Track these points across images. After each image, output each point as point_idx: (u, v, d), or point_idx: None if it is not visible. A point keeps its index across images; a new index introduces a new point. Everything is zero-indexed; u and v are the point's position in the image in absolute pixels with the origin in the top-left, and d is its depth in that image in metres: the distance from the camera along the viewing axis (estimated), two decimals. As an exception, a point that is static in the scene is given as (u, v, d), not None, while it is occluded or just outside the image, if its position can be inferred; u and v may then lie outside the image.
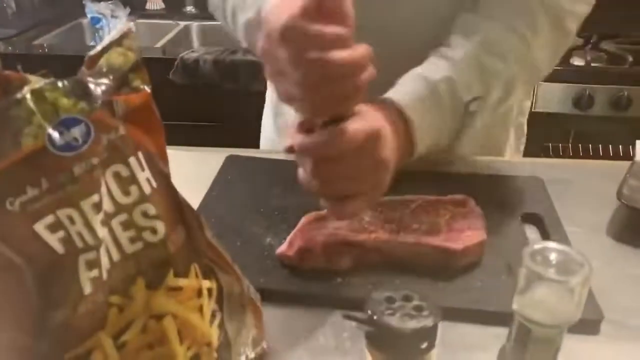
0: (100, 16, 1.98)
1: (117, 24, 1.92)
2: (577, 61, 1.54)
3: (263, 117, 0.88)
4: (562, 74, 1.48)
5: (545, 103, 1.51)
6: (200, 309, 0.35)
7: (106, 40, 0.33)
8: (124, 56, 0.33)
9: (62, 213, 0.29)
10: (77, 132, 0.29)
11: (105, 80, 0.31)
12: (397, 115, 0.55)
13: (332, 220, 0.56)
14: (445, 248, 0.53)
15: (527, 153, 0.89)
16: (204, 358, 0.36)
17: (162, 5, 2.08)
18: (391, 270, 0.52)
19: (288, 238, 0.54)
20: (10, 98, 0.28)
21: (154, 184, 0.33)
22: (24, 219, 0.29)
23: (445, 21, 0.63)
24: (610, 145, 1.49)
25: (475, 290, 0.50)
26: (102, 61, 0.32)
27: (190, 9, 2.05)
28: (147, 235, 0.33)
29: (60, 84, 0.29)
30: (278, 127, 0.83)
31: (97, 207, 0.30)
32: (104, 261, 0.31)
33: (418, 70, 0.59)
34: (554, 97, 1.51)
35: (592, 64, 1.52)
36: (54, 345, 0.31)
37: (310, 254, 0.53)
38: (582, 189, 0.69)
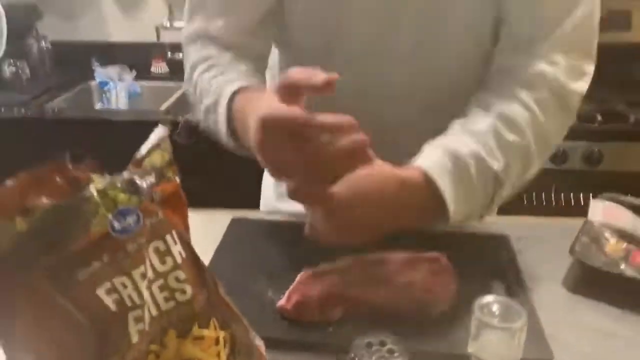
0: (108, 79, 2.12)
1: (124, 87, 2.05)
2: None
3: (263, 180, 0.98)
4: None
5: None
6: (218, 355, 0.44)
7: (148, 144, 0.43)
8: (162, 156, 0.43)
9: (117, 280, 0.39)
10: (130, 219, 0.38)
11: (149, 177, 0.41)
12: (422, 177, 0.61)
13: (325, 277, 0.65)
14: (421, 300, 0.62)
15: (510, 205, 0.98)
16: (221, 395, 0.45)
17: (167, 69, 2.21)
18: (375, 318, 0.61)
19: (286, 293, 0.63)
20: (81, 195, 0.38)
21: (184, 255, 0.43)
22: (89, 286, 0.38)
23: (443, 88, 0.74)
24: (581, 196, 1.61)
25: (444, 335, 0.59)
26: (146, 162, 0.42)
27: (192, 71, 2.19)
28: (178, 296, 0.42)
29: (118, 183, 0.39)
30: (277, 192, 0.94)
31: (143, 275, 0.39)
32: (146, 316, 0.40)
33: (444, 141, 0.66)
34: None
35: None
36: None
37: (305, 307, 0.62)
38: (544, 245, 0.79)
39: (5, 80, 1.97)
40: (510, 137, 0.67)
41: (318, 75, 0.51)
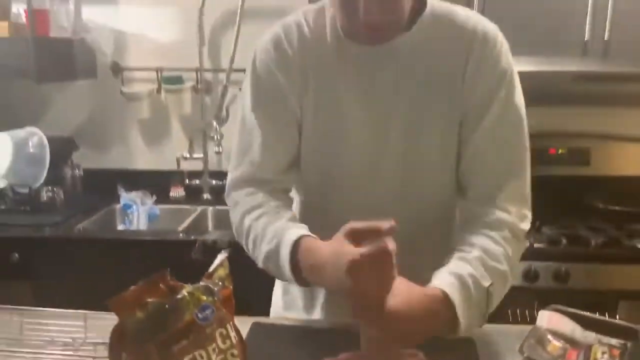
0: (131, 203, 2.38)
1: (144, 210, 2.29)
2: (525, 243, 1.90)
3: (274, 291, 1.19)
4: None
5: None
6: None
7: (215, 262, 0.66)
8: (223, 271, 0.66)
9: (197, 353, 0.60)
10: (208, 312, 0.60)
11: (217, 284, 0.64)
12: (442, 295, 0.85)
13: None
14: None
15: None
16: None
17: (183, 193, 2.49)
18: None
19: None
20: (177, 298, 0.60)
21: (236, 339, 0.64)
22: (180, 356, 0.59)
23: (423, 207, 1.02)
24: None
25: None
26: (215, 275, 0.65)
27: (206, 196, 2.46)
28: (233, 364, 0.63)
29: (201, 289, 0.61)
30: (285, 302, 1.15)
31: (214, 350, 0.60)
32: (213, 380, 0.61)
33: (449, 267, 0.91)
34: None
35: (535, 245, 1.89)
36: None
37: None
38: (505, 347, 0.99)
39: (42, 203, 2.22)
40: (492, 264, 0.94)
41: (384, 224, 0.76)
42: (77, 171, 2.44)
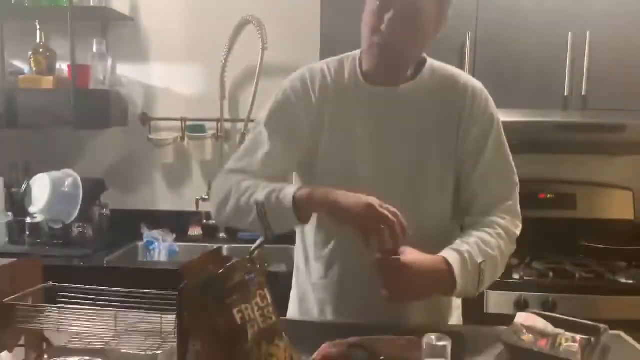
0: (153, 240, 2.58)
1: (165, 247, 2.49)
2: (515, 275, 2.09)
3: (290, 301, 1.38)
4: (505, 285, 2.00)
5: (495, 307, 2.02)
6: (285, 357, 0.83)
7: (256, 245, 0.86)
8: (261, 251, 0.87)
9: (243, 306, 0.79)
10: (252, 275, 0.80)
11: (256, 259, 0.84)
12: (444, 261, 1.13)
13: (337, 345, 1.03)
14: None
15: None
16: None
17: (201, 232, 2.69)
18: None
19: (316, 353, 1.01)
20: (230, 264, 0.81)
21: (270, 300, 0.84)
22: (230, 308, 0.79)
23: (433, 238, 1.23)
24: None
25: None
26: (255, 253, 0.85)
27: (222, 234, 2.66)
28: (268, 320, 0.82)
29: (247, 259, 0.82)
30: (302, 311, 1.33)
31: (257, 304, 0.80)
32: (255, 328, 0.80)
33: (452, 246, 1.17)
34: (500, 302, 2.02)
35: (526, 278, 2.07)
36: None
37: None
38: (488, 341, 1.16)
39: (73, 237, 2.43)
40: (486, 249, 1.19)
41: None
42: (105, 210, 2.65)
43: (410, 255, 1.10)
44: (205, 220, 2.68)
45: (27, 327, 0.92)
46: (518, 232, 1.28)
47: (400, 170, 1.25)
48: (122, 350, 1.03)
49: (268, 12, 2.51)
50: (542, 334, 1.14)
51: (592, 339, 1.14)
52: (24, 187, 2.44)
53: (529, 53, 2.19)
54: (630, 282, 2.05)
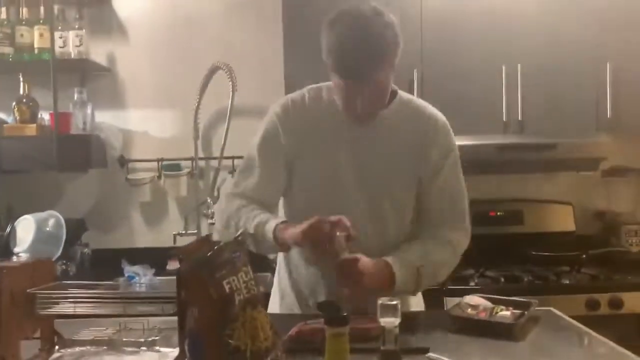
0: (134, 274, 2.71)
1: (145, 281, 2.63)
2: (472, 282, 2.30)
3: (271, 298, 1.56)
4: (461, 291, 2.20)
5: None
6: (268, 322, 1.01)
7: (237, 234, 1.05)
8: (243, 238, 1.06)
9: (232, 278, 0.98)
10: (238, 254, 0.99)
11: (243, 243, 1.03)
12: (387, 265, 1.31)
13: (310, 325, 1.21)
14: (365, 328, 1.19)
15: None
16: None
17: (178, 266, 2.82)
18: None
19: (292, 330, 1.19)
20: (220, 245, 1.00)
21: (252, 274, 1.03)
22: (220, 280, 0.97)
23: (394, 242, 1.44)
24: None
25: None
26: (240, 239, 1.04)
27: (200, 267, 2.80)
28: (252, 290, 1.00)
29: (233, 242, 1.01)
30: (283, 308, 1.51)
31: (243, 276, 0.99)
32: (241, 296, 0.98)
33: (395, 253, 1.37)
34: (459, 308, 2.22)
35: (480, 285, 2.28)
36: (223, 325, 0.96)
37: (300, 334, 1.17)
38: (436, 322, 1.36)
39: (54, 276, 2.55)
40: (426, 256, 1.41)
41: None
42: (86, 250, 2.79)
43: (361, 259, 1.29)
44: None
45: (46, 313, 1.07)
46: (464, 246, 1.51)
47: (371, 186, 1.47)
48: (124, 339, 1.20)
49: (236, 59, 2.75)
50: (483, 308, 1.35)
51: (525, 312, 1.35)
52: (8, 228, 2.56)
53: (469, 85, 2.48)
54: (572, 282, 2.28)
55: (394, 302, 1.03)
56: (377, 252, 1.38)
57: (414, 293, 1.41)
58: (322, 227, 1.23)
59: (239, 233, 1.05)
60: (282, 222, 1.35)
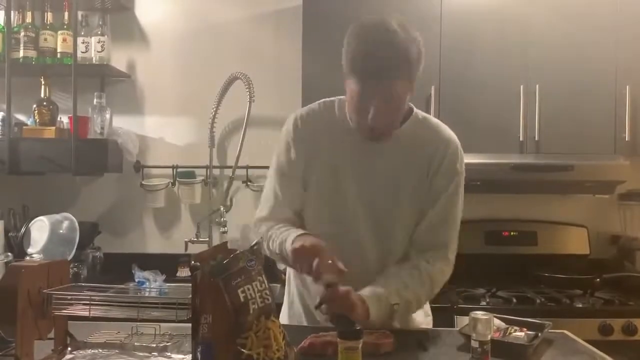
0: (144, 280, 2.71)
1: (156, 286, 2.64)
2: (483, 302, 2.28)
3: (283, 306, 1.56)
4: (474, 310, 2.18)
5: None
6: (280, 332, 1.01)
7: (253, 243, 1.06)
8: (260, 248, 1.06)
9: (247, 287, 0.98)
10: (253, 263, 0.99)
11: (258, 252, 1.04)
12: (363, 302, 1.28)
13: (320, 337, 1.21)
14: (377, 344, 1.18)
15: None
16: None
17: (188, 273, 2.83)
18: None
19: (304, 340, 1.18)
20: (236, 253, 1.00)
21: (267, 283, 1.03)
22: (235, 288, 0.97)
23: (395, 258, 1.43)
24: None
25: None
26: (255, 248, 1.04)
27: (210, 275, 2.81)
28: (266, 300, 1.00)
29: (248, 251, 1.01)
30: (291, 318, 1.51)
31: (258, 286, 0.99)
32: (255, 305, 0.98)
33: (370, 288, 1.33)
34: (469, 327, 2.19)
35: (491, 305, 2.26)
36: (236, 333, 0.96)
37: (312, 346, 1.17)
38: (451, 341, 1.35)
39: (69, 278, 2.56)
40: (403, 293, 1.37)
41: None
42: (98, 253, 2.80)
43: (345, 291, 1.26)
44: (193, 262, 2.83)
45: (61, 314, 1.08)
46: (444, 279, 1.47)
47: (376, 203, 1.46)
48: (136, 344, 1.20)
49: (255, 69, 2.78)
50: (497, 328, 1.33)
51: (539, 333, 1.34)
52: (23, 229, 2.58)
53: (487, 103, 2.48)
54: (585, 306, 2.25)
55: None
56: (379, 266, 1.42)
57: (390, 326, 1.36)
58: (307, 258, 1.24)
59: (254, 242, 1.05)
60: (299, 235, 1.34)
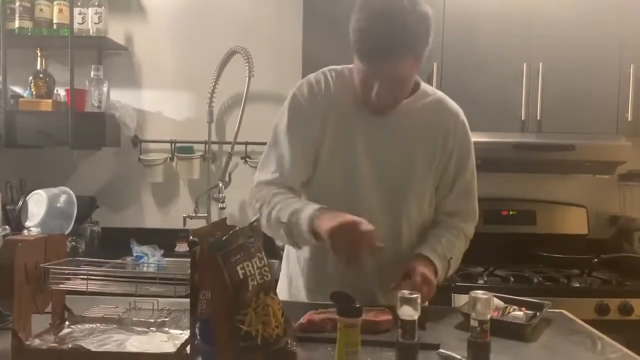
0: (142, 254, 2.71)
1: (154, 261, 2.64)
2: (480, 281, 2.28)
3: (279, 283, 1.55)
4: (470, 289, 2.18)
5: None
6: (279, 308, 1.00)
7: (253, 219, 1.04)
8: (259, 224, 1.05)
9: (246, 264, 0.97)
10: (252, 240, 0.98)
11: (257, 229, 1.02)
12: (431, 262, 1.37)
13: (319, 313, 1.20)
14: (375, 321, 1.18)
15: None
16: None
17: (187, 248, 2.83)
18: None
19: (302, 318, 1.18)
20: (235, 230, 0.99)
21: (266, 261, 1.02)
22: (234, 265, 0.96)
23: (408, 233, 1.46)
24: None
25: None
26: (255, 224, 1.03)
27: (208, 251, 2.81)
28: (265, 277, 1.00)
29: (248, 227, 1.00)
30: (291, 294, 1.51)
31: (257, 262, 0.98)
32: (255, 282, 0.98)
33: (432, 246, 1.42)
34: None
35: (489, 283, 2.26)
36: (235, 310, 0.95)
37: (310, 323, 1.16)
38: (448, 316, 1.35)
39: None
40: (452, 249, 1.45)
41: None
42: (96, 228, 2.79)
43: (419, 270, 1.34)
44: (191, 237, 2.82)
45: (59, 289, 1.07)
46: (472, 233, 1.57)
47: (388, 178, 1.45)
48: (134, 319, 1.19)
49: (255, 44, 2.73)
50: (495, 307, 1.33)
51: (537, 313, 1.34)
52: (20, 202, 2.57)
53: (489, 81, 2.45)
54: (582, 286, 2.26)
55: (414, 296, 1.02)
56: (391, 242, 1.40)
57: (441, 283, 1.43)
58: (351, 232, 1.21)
59: (254, 219, 1.04)
60: (319, 209, 1.30)
